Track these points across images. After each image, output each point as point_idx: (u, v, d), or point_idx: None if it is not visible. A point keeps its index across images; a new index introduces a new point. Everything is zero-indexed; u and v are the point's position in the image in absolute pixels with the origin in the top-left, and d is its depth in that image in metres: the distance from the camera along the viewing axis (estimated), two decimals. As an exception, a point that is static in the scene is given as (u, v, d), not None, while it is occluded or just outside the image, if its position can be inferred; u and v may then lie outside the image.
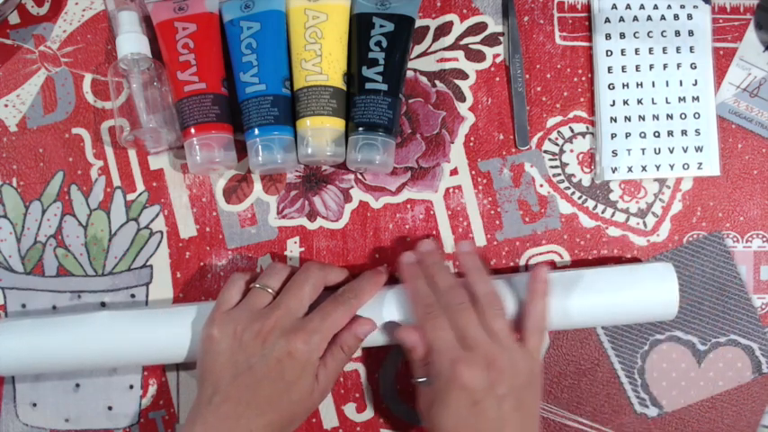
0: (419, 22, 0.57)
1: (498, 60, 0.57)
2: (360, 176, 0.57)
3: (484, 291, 0.49)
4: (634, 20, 0.57)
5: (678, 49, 0.57)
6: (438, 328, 0.48)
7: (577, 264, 0.57)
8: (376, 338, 0.52)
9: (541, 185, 0.57)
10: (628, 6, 0.57)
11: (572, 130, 0.57)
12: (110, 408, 0.56)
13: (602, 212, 0.57)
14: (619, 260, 0.57)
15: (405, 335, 0.50)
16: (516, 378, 0.47)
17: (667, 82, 0.57)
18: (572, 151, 0.57)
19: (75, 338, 0.51)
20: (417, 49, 0.57)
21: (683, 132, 0.57)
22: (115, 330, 0.51)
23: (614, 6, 0.57)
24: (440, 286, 0.50)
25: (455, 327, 0.48)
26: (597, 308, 0.52)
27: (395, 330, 0.51)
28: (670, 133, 0.57)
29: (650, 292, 0.52)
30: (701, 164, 0.56)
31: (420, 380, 0.49)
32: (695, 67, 0.57)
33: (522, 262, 0.57)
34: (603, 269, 0.54)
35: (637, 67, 0.57)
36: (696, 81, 0.57)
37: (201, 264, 0.56)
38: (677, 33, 0.57)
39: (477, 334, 0.47)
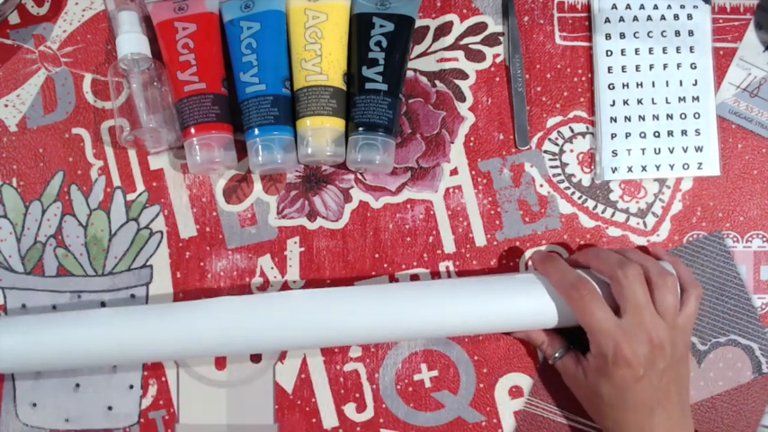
0: (419, 22, 0.57)
1: (498, 60, 0.57)
2: (360, 176, 0.57)
3: (657, 268, 0.50)
4: (634, 20, 0.57)
5: (678, 49, 0.57)
6: (598, 309, 0.48)
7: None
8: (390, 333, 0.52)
9: (541, 185, 0.57)
10: (628, 6, 0.57)
11: (572, 130, 0.57)
12: (110, 408, 0.56)
13: (602, 212, 0.57)
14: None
15: (535, 337, 0.54)
16: (675, 353, 0.49)
17: (667, 82, 0.57)
18: (572, 151, 0.57)
19: (75, 336, 0.51)
20: (417, 49, 0.57)
21: (683, 132, 0.57)
22: (115, 328, 0.51)
23: (614, 6, 0.57)
24: (609, 261, 0.50)
25: (619, 293, 0.48)
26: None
27: (522, 334, 0.55)
28: (670, 133, 0.57)
29: None
30: (700, 164, 0.56)
31: (557, 356, 0.53)
32: (695, 67, 0.57)
33: (522, 262, 0.57)
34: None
35: (637, 67, 0.57)
36: (696, 81, 0.57)
37: (201, 264, 0.56)
38: (677, 33, 0.57)
39: (644, 308, 0.48)
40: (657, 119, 0.57)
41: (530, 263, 0.57)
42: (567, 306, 0.50)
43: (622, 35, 0.57)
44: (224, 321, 0.51)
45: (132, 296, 0.56)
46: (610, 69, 0.57)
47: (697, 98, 0.57)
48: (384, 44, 0.53)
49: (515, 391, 0.56)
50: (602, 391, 0.49)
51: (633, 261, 0.49)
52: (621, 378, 0.48)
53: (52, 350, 0.51)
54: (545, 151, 0.57)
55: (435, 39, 0.57)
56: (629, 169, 0.56)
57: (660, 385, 0.48)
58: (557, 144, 0.57)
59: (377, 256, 0.57)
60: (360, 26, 0.54)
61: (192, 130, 0.53)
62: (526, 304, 0.51)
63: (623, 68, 0.57)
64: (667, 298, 0.49)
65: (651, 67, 0.57)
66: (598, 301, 0.48)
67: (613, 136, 0.56)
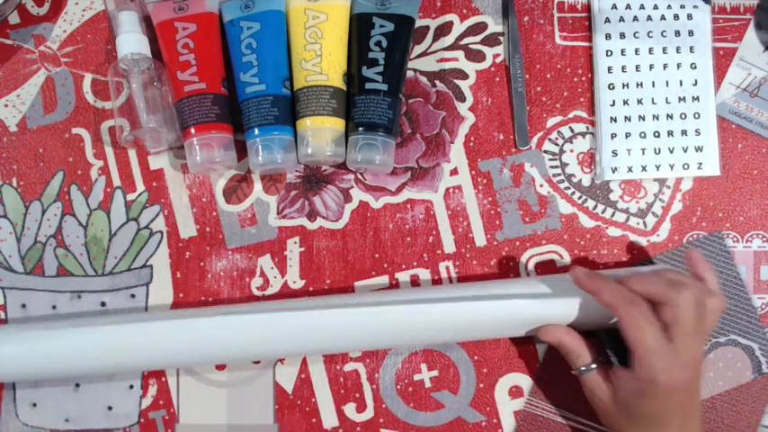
0: (419, 22, 0.57)
1: (498, 60, 0.57)
2: (360, 176, 0.57)
3: (705, 290, 0.49)
4: (634, 20, 0.57)
5: (678, 49, 0.57)
6: (651, 329, 0.46)
7: (577, 263, 0.57)
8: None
9: (541, 185, 0.57)
10: (628, 6, 0.57)
11: (572, 130, 0.57)
12: (110, 408, 0.56)
13: (602, 212, 0.57)
14: (618, 261, 0.57)
15: (550, 335, 0.51)
16: (701, 369, 0.49)
17: (667, 82, 0.57)
18: (572, 151, 0.57)
19: (75, 349, 0.51)
20: (417, 49, 0.57)
21: (683, 132, 0.57)
22: (115, 342, 0.51)
23: (614, 6, 0.57)
24: (660, 283, 0.48)
25: (671, 318, 0.47)
26: (596, 312, 0.51)
27: (539, 331, 0.51)
28: (670, 133, 0.57)
29: None
30: (700, 164, 0.56)
31: (584, 369, 0.50)
32: (695, 67, 0.57)
33: (522, 262, 0.57)
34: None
35: (637, 67, 0.57)
36: (696, 81, 0.57)
37: (201, 264, 0.56)
38: (677, 33, 0.57)
39: (697, 336, 0.47)
40: (657, 119, 0.57)
41: (530, 266, 0.57)
42: (581, 309, 0.50)
43: (622, 35, 0.57)
44: (224, 335, 0.51)
45: (132, 296, 0.56)
46: (610, 69, 0.57)
47: (697, 98, 0.57)
48: (384, 44, 0.53)
49: (515, 391, 0.56)
50: (638, 410, 0.48)
51: (686, 284, 0.47)
52: (665, 400, 0.47)
53: (51, 362, 0.51)
54: (545, 151, 0.57)
55: (435, 39, 0.57)
56: (629, 169, 0.56)
57: (693, 400, 0.49)
58: (557, 144, 0.57)
59: (377, 256, 0.57)
60: (360, 26, 0.54)
61: (192, 130, 0.53)
62: (544, 306, 0.51)
63: (623, 68, 0.57)
64: (712, 322, 0.48)
65: (651, 67, 0.57)
66: (651, 321, 0.47)
67: (613, 136, 0.56)
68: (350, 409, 0.56)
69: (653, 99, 0.57)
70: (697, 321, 0.47)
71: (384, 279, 0.56)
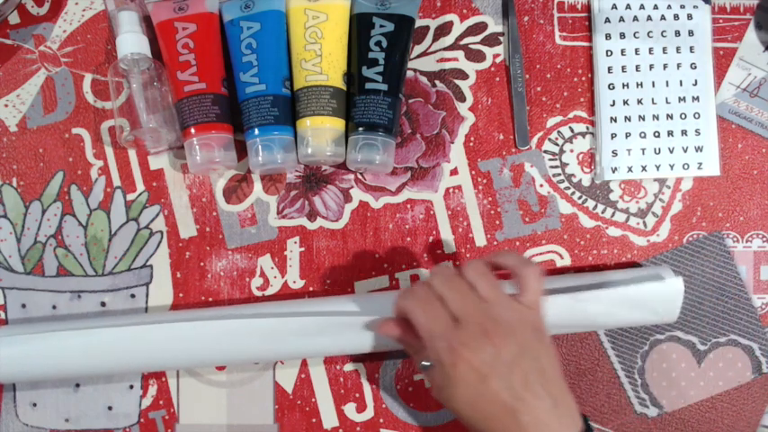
0: (419, 22, 0.57)
1: (498, 60, 0.57)
2: (360, 176, 0.57)
3: (471, 265, 0.46)
4: (634, 20, 0.57)
5: (678, 49, 0.57)
6: (427, 312, 0.45)
7: (577, 264, 0.57)
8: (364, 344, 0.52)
9: (541, 185, 0.57)
10: (628, 6, 0.57)
11: (572, 130, 0.57)
12: (110, 408, 0.56)
13: (602, 212, 0.57)
14: (618, 261, 0.57)
15: (386, 329, 0.48)
16: (520, 335, 0.44)
17: (667, 82, 0.57)
18: (572, 151, 0.57)
19: (76, 352, 0.51)
20: (417, 49, 0.57)
21: (683, 132, 0.57)
22: (114, 345, 0.51)
23: (614, 6, 0.57)
24: (430, 276, 0.47)
25: (444, 303, 0.45)
26: (598, 315, 0.51)
27: (375, 327, 0.50)
28: (670, 133, 0.57)
29: (654, 297, 0.51)
30: (700, 164, 0.56)
31: (425, 364, 0.45)
32: (695, 67, 0.57)
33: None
34: (605, 274, 0.53)
35: (637, 67, 0.57)
36: (696, 81, 0.57)
37: (201, 264, 0.56)
38: (677, 33, 0.57)
39: (467, 303, 0.44)
40: (657, 119, 0.57)
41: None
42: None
43: (622, 35, 0.57)
44: (224, 339, 0.51)
45: (132, 296, 0.56)
46: (610, 69, 0.57)
47: (697, 98, 0.57)
48: (384, 44, 0.53)
49: (515, 391, 0.56)
50: (455, 404, 0.44)
51: (433, 275, 0.46)
52: (465, 382, 0.43)
53: (50, 364, 0.51)
54: (545, 151, 0.57)
55: (435, 39, 0.57)
56: (629, 169, 0.56)
57: (513, 379, 0.42)
58: (557, 144, 0.57)
59: (377, 256, 0.57)
60: (360, 26, 0.54)
61: (192, 130, 0.53)
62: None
63: (623, 68, 0.57)
64: (486, 287, 0.45)
65: (651, 67, 0.57)
66: (424, 304, 0.45)
67: (613, 136, 0.56)
68: (350, 409, 0.56)
69: (653, 99, 0.57)
70: (454, 292, 0.45)
71: (384, 279, 0.56)
